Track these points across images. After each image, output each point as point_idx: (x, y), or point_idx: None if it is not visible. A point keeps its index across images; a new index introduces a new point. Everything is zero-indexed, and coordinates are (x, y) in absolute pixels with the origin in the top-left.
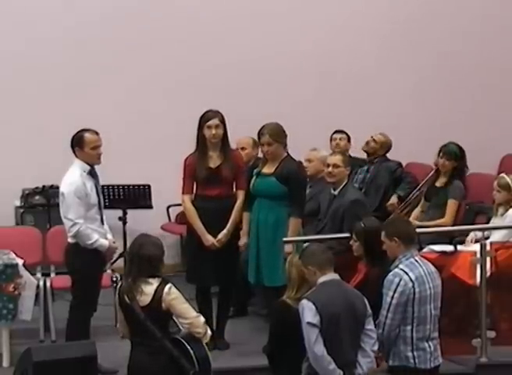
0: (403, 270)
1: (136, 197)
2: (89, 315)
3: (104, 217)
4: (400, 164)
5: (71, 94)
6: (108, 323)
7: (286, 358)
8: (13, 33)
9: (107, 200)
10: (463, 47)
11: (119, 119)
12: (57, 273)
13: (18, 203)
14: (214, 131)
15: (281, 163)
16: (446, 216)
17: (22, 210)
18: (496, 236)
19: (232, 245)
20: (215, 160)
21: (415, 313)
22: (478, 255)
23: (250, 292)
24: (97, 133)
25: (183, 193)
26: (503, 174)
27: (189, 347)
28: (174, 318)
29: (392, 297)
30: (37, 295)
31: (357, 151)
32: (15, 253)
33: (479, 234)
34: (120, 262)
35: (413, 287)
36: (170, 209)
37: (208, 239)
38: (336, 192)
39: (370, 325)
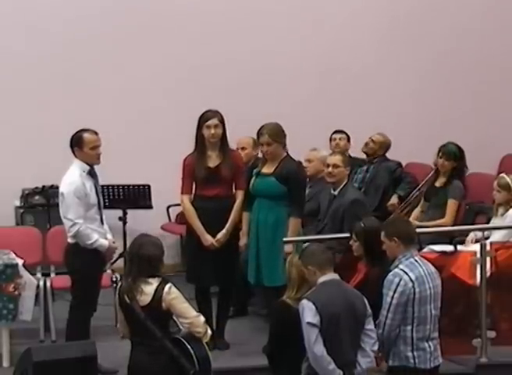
0: (403, 270)
1: (136, 197)
2: (89, 315)
3: (103, 217)
4: (399, 164)
5: (71, 94)
6: (108, 323)
7: (286, 358)
8: (13, 34)
9: (107, 200)
10: (462, 46)
11: (119, 119)
12: (57, 273)
13: (18, 203)
14: (213, 131)
15: (280, 163)
16: (446, 216)
17: (22, 210)
18: (496, 236)
19: (231, 245)
20: (214, 160)
21: (415, 313)
22: (478, 255)
23: (250, 292)
24: (96, 133)
25: (182, 193)
26: (503, 174)
27: (189, 346)
28: (174, 318)
29: (393, 297)
30: (37, 295)
31: (356, 152)
32: (15, 253)
33: (479, 234)
34: (120, 262)
35: (413, 287)
36: (170, 209)
37: (207, 239)
38: (335, 192)
39: (370, 325)
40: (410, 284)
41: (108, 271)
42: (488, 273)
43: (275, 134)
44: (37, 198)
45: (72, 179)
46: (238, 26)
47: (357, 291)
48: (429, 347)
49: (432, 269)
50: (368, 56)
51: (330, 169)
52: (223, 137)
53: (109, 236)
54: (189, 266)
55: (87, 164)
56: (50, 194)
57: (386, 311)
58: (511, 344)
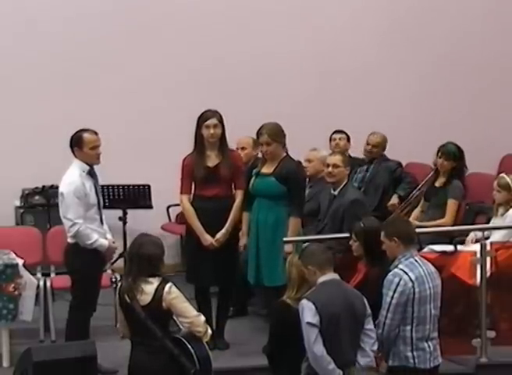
0: (403, 270)
1: (136, 197)
2: (89, 315)
3: (103, 217)
4: (399, 164)
5: (71, 94)
6: (108, 323)
7: (286, 358)
8: (13, 33)
9: (107, 200)
10: (463, 46)
11: (119, 119)
12: (57, 273)
13: (18, 203)
14: (212, 131)
15: (280, 163)
16: (446, 216)
17: (22, 210)
18: (496, 236)
19: (231, 245)
20: (213, 159)
21: (415, 313)
22: (478, 255)
23: (250, 292)
24: (96, 133)
25: (181, 193)
26: (503, 174)
27: (190, 346)
28: (174, 317)
29: (392, 297)
30: (37, 295)
31: (356, 152)
32: (15, 253)
33: (479, 234)
34: (120, 262)
35: (412, 287)
36: (170, 209)
37: (207, 239)
38: (335, 192)
39: (369, 325)
40: (410, 284)
41: (108, 271)
42: (488, 273)
43: (274, 134)
44: (37, 198)
45: (71, 179)
46: (238, 26)
47: (357, 290)
48: (429, 347)
49: (432, 269)
50: (369, 57)
51: (330, 169)
52: (222, 137)
53: (109, 236)
54: (188, 266)
55: (87, 164)
56: (50, 194)
57: (386, 311)
58: (511, 344)
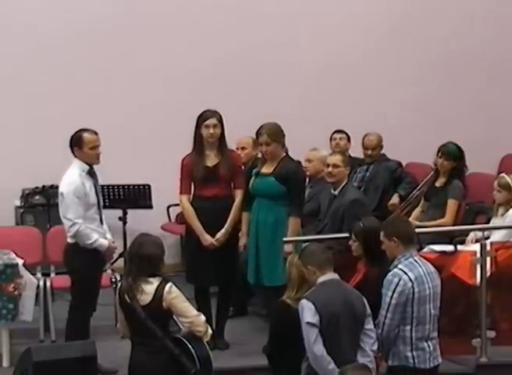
0: (403, 270)
1: (136, 197)
2: (88, 315)
3: (103, 217)
4: (399, 164)
5: (71, 93)
6: (108, 323)
7: (286, 358)
8: (13, 33)
9: (107, 200)
10: (463, 46)
11: (119, 119)
12: (57, 273)
13: (18, 203)
14: (211, 131)
15: (280, 163)
16: (446, 215)
17: (22, 210)
18: (496, 236)
19: (231, 245)
20: (212, 159)
21: (414, 313)
22: (478, 255)
23: (250, 292)
24: (95, 133)
25: (180, 193)
26: (503, 174)
27: (190, 346)
28: (174, 317)
29: (392, 297)
30: (37, 295)
31: (356, 152)
32: (15, 253)
33: (479, 234)
34: (120, 262)
35: (412, 287)
36: (170, 209)
37: (207, 239)
38: (335, 192)
39: (369, 325)
40: (410, 284)
41: (108, 271)
42: (488, 273)
43: (274, 134)
44: (37, 197)
45: (71, 179)
46: (238, 26)
47: (357, 290)
48: (428, 347)
49: (432, 269)
50: (369, 57)
51: (330, 169)
52: (221, 136)
53: (109, 236)
54: (188, 266)
55: (87, 164)
56: (50, 194)
57: (385, 311)
58: (511, 344)
